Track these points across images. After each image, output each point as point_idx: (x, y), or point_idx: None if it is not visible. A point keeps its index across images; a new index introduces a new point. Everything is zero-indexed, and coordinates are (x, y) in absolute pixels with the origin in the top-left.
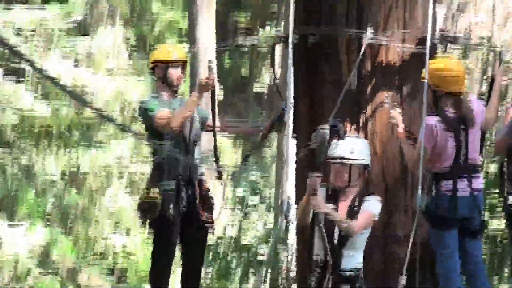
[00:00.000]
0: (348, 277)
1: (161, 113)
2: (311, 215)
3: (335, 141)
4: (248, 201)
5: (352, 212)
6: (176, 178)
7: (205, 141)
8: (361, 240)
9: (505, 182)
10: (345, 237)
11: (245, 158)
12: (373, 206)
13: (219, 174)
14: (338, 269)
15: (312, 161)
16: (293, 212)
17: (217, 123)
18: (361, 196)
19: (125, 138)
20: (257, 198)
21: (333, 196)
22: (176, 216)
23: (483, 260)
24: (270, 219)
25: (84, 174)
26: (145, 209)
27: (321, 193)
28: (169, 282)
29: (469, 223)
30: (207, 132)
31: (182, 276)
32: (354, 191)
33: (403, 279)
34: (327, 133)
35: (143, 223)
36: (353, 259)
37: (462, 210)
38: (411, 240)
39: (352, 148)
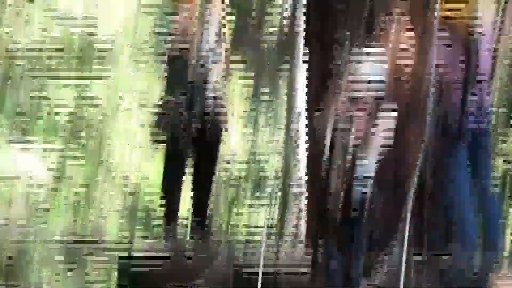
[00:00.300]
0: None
1: None
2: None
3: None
4: (260, 118)
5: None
6: (186, 90)
7: None
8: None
9: None
10: (360, 147)
11: None
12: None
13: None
14: (353, 174)
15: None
16: (302, 122)
17: None
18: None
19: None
20: (268, 116)
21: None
22: (190, 120)
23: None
24: (282, 134)
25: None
26: (158, 121)
27: None
28: (181, 192)
29: (478, 136)
30: None
31: (193, 177)
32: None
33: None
34: None
35: (158, 128)
36: (368, 166)
37: (472, 120)
38: (421, 149)
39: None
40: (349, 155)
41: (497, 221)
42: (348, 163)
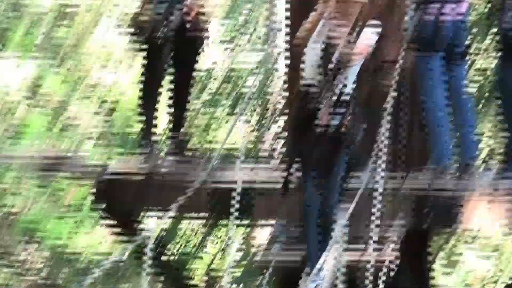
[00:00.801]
0: (343, 100)
1: None
2: (310, 38)
3: None
4: (240, 37)
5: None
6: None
7: None
8: (356, 67)
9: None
10: (342, 64)
11: None
12: (373, 33)
13: None
14: (333, 94)
15: None
16: (282, 39)
17: None
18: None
19: None
20: (248, 36)
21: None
22: (167, 37)
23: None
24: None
25: (76, 8)
26: (136, 30)
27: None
28: (158, 97)
29: (453, 47)
30: None
31: (171, 96)
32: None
33: (390, 101)
34: None
35: (135, 41)
36: (347, 85)
37: (446, 31)
38: (398, 65)
39: None
40: (330, 73)
41: (471, 131)
42: (328, 82)
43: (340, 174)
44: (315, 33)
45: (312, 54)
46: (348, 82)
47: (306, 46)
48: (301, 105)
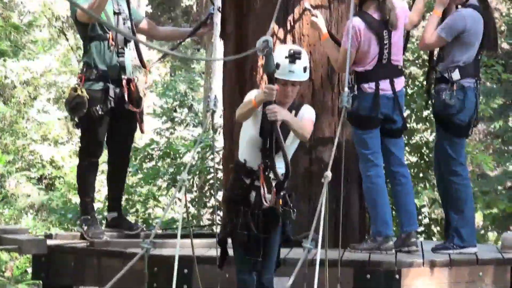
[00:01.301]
0: (276, 183)
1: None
2: (250, 115)
3: (287, 61)
4: (177, 111)
5: None
6: (104, 77)
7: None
8: (290, 152)
9: (432, 81)
10: (278, 145)
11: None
12: (311, 114)
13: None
14: (268, 173)
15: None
16: (219, 107)
17: (145, 25)
18: (297, 106)
19: (54, 49)
20: (185, 110)
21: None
22: (104, 114)
23: (408, 166)
24: (198, 130)
25: (12, 85)
26: (73, 107)
27: (276, 106)
28: (96, 178)
29: (391, 122)
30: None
31: (109, 171)
32: (291, 101)
33: (328, 177)
34: (271, 44)
35: (72, 120)
36: (282, 167)
37: (384, 108)
38: (336, 141)
39: (305, 68)
40: (266, 152)
41: (410, 203)
42: (264, 161)
43: (275, 250)
44: (252, 114)
45: (248, 132)
46: (283, 161)
47: (245, 119)
48: (236, 181)
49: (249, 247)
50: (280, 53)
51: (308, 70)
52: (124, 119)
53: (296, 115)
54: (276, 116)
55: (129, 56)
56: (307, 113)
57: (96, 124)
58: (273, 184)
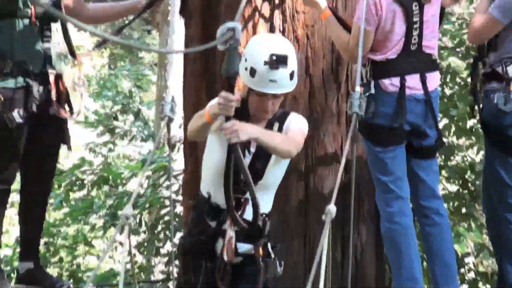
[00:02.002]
0: (253, 226)
1: None
2: (206, 134)
3: (266, 67)
4: (118, 119)
5: None
6: (22, 71)
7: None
8: (277, 176)
9: (479, 80)
10: (257, 173)
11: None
12: (302, 123)
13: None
14: (243, 213)
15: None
16: (177, 112)
17: (70, 1)
18: (280, 116)
19: None
20: (130, 117)
21: (243, 114)
22: (23, 122)
23: (445, 199)
24: (149, 145)
25: None
26: None
27: (236, 123)
28: (5, 212)
29: (421, 136)
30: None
31: (22, 205)
32: (270, 117)
33: (331, 213)
34: (238, 35)
35: None
36: (263, 204)
37: (412, 116)
38: (343, 161)
39: (292, 75)
40: (239, 184)
41: (449, 253)
42: (235, 198)
43: None
44: (215, 133)
45: (213, 157)
46: (265, 200)
47: (200, 138)
48: (196, 224)
49: None
50: (257, 56)
51: (295, 75)
52: (47, 129)
53: (280, 128)
54: (237, 136)
55: (54, 42)
56: (295, 123)
57: (11, 136)
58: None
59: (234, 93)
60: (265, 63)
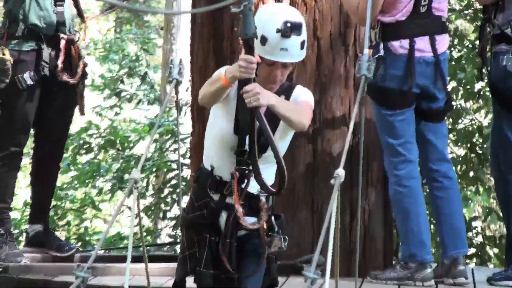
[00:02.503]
0: (256, 201)
1: None
2: (221, 98)
3: (278, 36)
4: (124, 82)
5: None
6: (34, 35)
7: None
8: (282, 149)
9: (487, 43)
10: (262, 148)
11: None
12: (309, 97)
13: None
14: (246, 186)
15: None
16: (185, 75)
17: None
18: (287, 89)
19: None
20: (137, 81)
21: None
22: (34, 85)
23: (454, 162)
24: (156, 109)
25: None
26: None
27: (257, 86)
28: (16, 177)
29: (431, 99)
30: None
31: (32, 168)
32: (277, 89)
33: (340, 177)
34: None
35: None
36: (268, 175)
37: (421, 79)
38: (351, 124)
39: (303, 44)
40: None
41: (457, 216)
42: (242, 166)
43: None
44: (223, 98)
45: (217, 126)
46: (269, 169)
47: (211, 104)
48: (199, 197)
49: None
50: (269, 23)
51: (305, 45)
52: (60, 93)
53: (289, 97)
54: (258, 100)
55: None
56: (303, 96)
57: (22, 98)
58: (260, 200)
59: (254, 55)
60: (278, 30)
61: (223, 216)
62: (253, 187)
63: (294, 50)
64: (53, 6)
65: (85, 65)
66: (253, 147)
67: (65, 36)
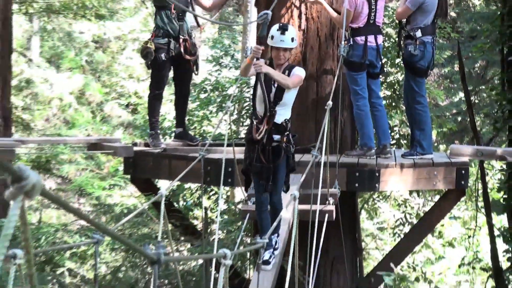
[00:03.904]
0: (279, 127)
1: None
2: (250, 72)
3: (278, 33)
4: (223, 58)
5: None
6: (167, 35)
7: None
8: (290, 98)
9: (402, 39)
10: (278, 97)
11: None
12: (300, 71)
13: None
14: (272, 120)
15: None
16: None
17: (204, 2)
18: (289, 67)
19: (137, 14)
20: (229, 58)
21: (271, 67)
22: (166, 60)
23: (384, 98)
24: (238, 71)
25: (108, 38)
26: (144, 55)
27: (262, 61)
28: (160, 107)
29: (373, 67)
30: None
31: (175, 99)
32: (285, 64)
33: (329, 105)
34: (269, 16)
35: (146, 64)
36: (284, 114)
37: (370, 56)
38: (336, 76)
39: (293, 38)
40: (269, 105)
41: (384, 124)
42: (270, 112)
43: (282, 177)
44: (250, 74)
45: (255, 89)
46: (285, 111)
47: (246, 75)
48: (251, 125)
49: (262, 175)
50: (274, 28)
51: (295, 40)
52: (183, 65)
53: (288, 74)
54: (260, 69)
55: (189, 20)
56: (297, 71)
57: (161, 66)
58: (277, 127)
59: (262, 46)
60: (277, 29)
61: (263, 135)
62: (278, 118)
63: (287, 41)
64: (176, 21)
65: (195, 51)
66: (269, 98)
67: (181, 37)
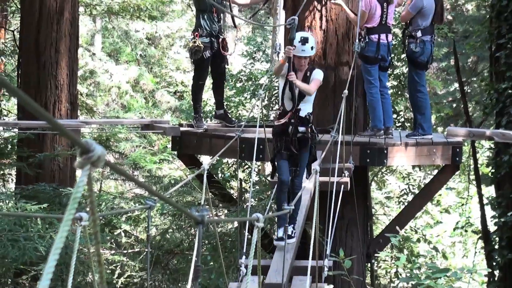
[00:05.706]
0: (303, 119)
1: None
2: (282, 71)
3: (300, 44)
4: (256, 53)
5: (306, 79)
6: (210, 34)
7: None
8: (311, 97)
9: (405, 38)
10: (302, 95)
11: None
12: (319, 75)
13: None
14: (298, 114)
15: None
16: (282, 51)
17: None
18: (310, 69)
19: (184, 15)
20: (261, 53)
21: (294, 69)
22: (209, 56)
23: (391, 88)
24: (268, 64)
25: (159, 36)
26: (193, 52)
27: (293, 73)
28: (202, 94)
29: (384, 61)
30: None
31: (213, 88)
32: (306, 67)
33: (345, 93)
34: (296, 21)
35: (191, 58)
36: (307, 109)
37: (382, 52)
38: (351, 69)
39: (312, 47)
40: (294, 101)
41: (390, 109)
42: (294, 106)
43: (305, 163)
44: (282, 73)
45: (282, 88)
46: (307, 106)
47: (278, 74)
48: (279, 118)
49: (290, 161)
50: (296, 38)
51: (314, 48)
52: (221, 59)
53: (310, 75)
54: (292, 78)
55: (223, 23)
56: (316, 75)
57: (205, 61)
58: (302, 120)
59: (292, 46)
60: (299, 41)
61: (290, 127)
62: (302, 112)
63: (307, 50)
64: (217, 22)
65: (227, 49)
66: (295, 96)
67: (221, 36)
